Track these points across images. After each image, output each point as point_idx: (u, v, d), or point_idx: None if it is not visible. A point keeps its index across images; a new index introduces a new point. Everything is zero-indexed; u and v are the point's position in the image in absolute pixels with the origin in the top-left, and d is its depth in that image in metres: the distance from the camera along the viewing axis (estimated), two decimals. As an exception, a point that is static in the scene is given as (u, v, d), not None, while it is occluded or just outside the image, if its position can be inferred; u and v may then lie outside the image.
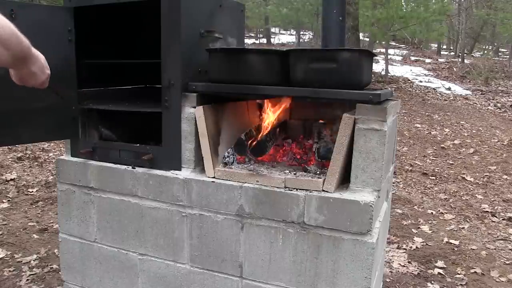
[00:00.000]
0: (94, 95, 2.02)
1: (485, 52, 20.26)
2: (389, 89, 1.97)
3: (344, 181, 1.60)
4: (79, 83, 1.88)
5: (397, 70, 13.30)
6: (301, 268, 1.59)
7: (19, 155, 5.20)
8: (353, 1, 9.01)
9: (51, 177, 4.60)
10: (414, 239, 3.39)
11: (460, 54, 16.70)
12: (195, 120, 1.70)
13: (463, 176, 5.23)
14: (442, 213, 4.04)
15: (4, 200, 3.98)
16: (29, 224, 3.49)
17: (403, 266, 2.97)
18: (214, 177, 1.70)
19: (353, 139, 1.53)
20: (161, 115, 1.75)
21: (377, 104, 1.49)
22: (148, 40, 2.01)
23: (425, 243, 3.33)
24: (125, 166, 1.85)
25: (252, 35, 22.18)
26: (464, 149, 6.52)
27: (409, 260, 3.04)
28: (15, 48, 0.93)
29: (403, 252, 3.17)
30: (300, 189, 1.56)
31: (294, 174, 1.63)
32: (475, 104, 10.13)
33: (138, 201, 1.83)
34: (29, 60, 1.06)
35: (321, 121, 2.02)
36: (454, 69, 14.26)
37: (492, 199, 4.49)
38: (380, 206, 1.67)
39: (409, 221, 3.77)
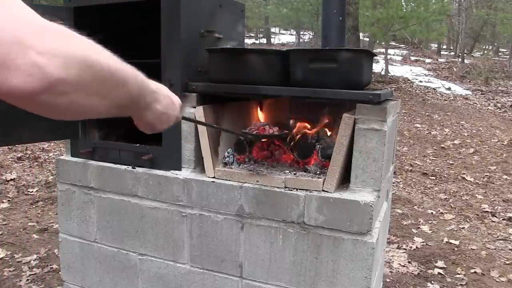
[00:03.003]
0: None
1: (485, 52, 20.24)
2: (389, 89, 1.97)
3: (344, 181, 1.60)
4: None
5: (397, 70, 13.30)
6: (301, 268, 1.59)
7: (19, 155, 5.20)
8: (353, 1, 9.01)
9: (51, 177, 4.60)
10: (414, 239, 3.39)
11: (460, 54, 16.70)
12: (195, 120, 1.70)
13: (463, 176, 5.23)
14: (442, 213, 4.04)
15: (4, 200, 3.98)
16: (29, 224, 3.49)
17: (403, 266, 2.97)
18: (214, 177, 1.70)
19: (353, 139, 1.53)
20: (161, 115, 1.75)
21: (377, 104, 1.49)
22: (148, 40, 2.01)
23: (425, 243, 3.33)
24: (125, 166, 1.85)
25: (252, 35, 22.17)
26: (464, 149, 6.52)
27: (409, 260, 3.04)
28: (116, 95, 0.64)
29: (403, 252, 3.16)
30: (300, 189, 1.56)
31: (294, 174, 1.63)
32: (475, 104, 10.13)
33: (138, 201, 1.83)
34: (147, 102, 0.75)
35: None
36: (454, 69, 14.25)
37: (492, 199, 4.49)
38: (380, 206, 1.67)
39: (409, 221, 3.77)
